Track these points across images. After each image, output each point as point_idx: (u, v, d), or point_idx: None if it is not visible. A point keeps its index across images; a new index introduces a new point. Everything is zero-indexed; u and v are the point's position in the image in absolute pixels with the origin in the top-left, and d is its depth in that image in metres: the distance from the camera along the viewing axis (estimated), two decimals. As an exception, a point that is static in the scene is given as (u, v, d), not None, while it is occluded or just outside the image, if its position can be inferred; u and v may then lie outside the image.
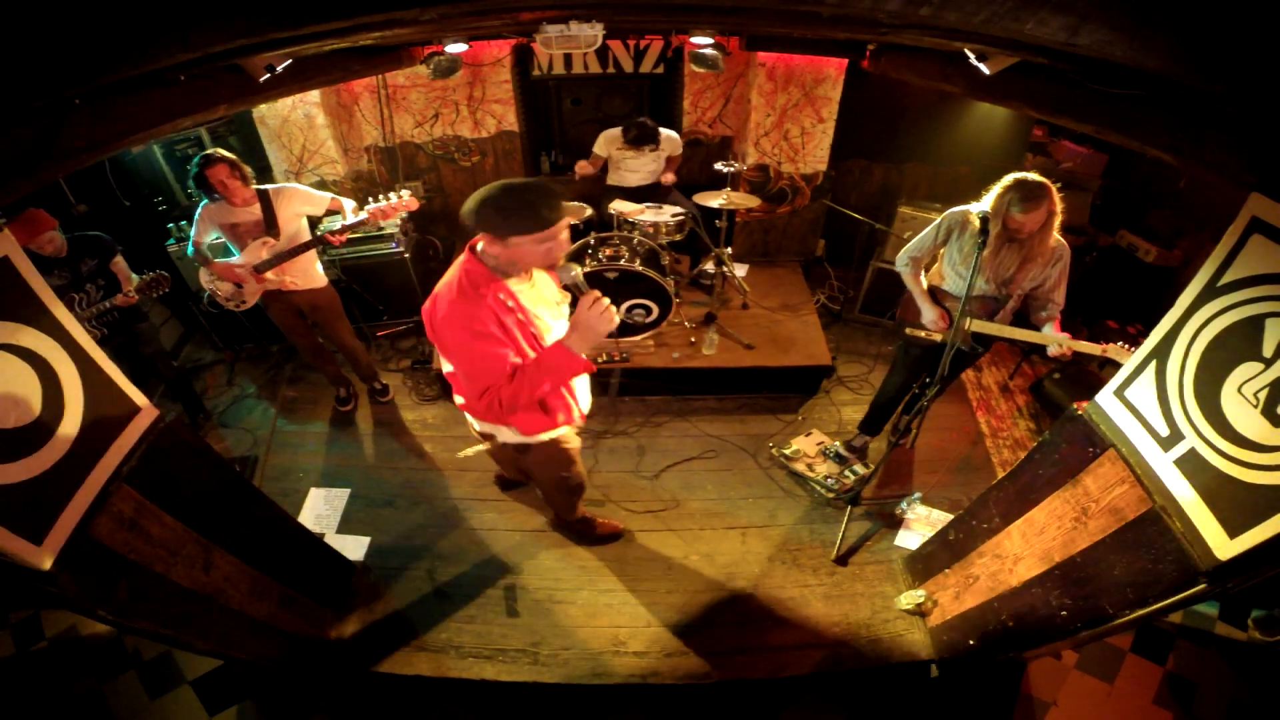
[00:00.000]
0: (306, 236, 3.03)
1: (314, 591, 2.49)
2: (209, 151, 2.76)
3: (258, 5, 1.16)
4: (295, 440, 3.64)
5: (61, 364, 1.51)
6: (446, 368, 1.97)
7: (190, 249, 3.00)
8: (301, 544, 2.52)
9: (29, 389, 1.42)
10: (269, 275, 2.98)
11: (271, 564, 2.23)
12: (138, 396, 1.73)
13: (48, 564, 1.40)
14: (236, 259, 2.95)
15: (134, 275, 3.00)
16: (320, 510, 3.16)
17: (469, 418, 2.16)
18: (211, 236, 2.98)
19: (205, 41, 1.15)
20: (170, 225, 3.88)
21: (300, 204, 2.99)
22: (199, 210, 2.93)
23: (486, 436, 2.20)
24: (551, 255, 1.68)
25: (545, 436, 2.12)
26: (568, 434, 2.22)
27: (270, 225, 2.91)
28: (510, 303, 1.76)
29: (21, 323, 1.42)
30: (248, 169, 2.85)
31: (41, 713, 2.56)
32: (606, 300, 1.67)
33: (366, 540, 2.98)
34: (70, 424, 1.51)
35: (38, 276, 1.48)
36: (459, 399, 2.06)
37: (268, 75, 2.03)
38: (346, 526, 3.07)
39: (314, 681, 2.57)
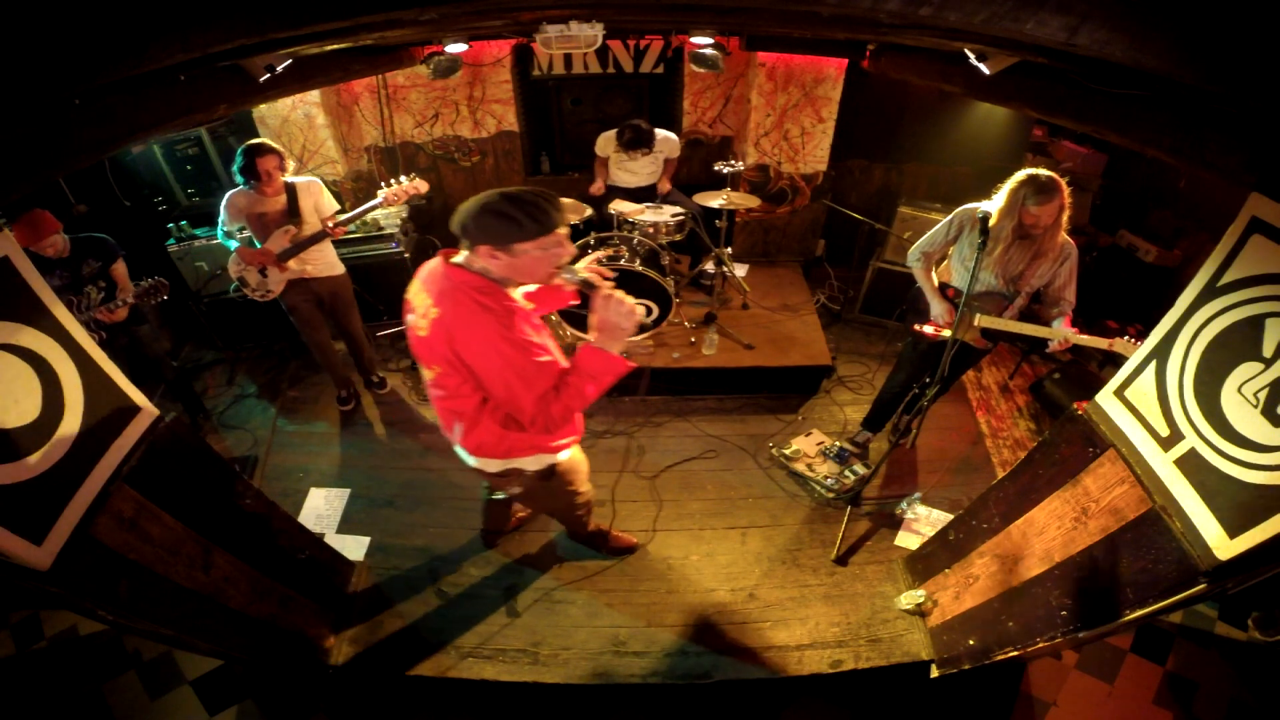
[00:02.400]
0: (319, 228, 3.16)
1: (314, 591, 2.49)
2: (259, 141, 2.89)
3: (258, 5, 1.16)
4: (295, 440, 3.63)
5: (61, 364, 1.51)
6: (458, 435, 1.85)
7: (222, 235, 3.09)
8: (301, 544, 2.52)
9: (29, 389, 1.42)
10: (290, 264, 3.10)
11: (271, 564, 2.23)
12: (138, 396, 1.73)
13: (48, 564, 1.39)
14: (261, 248, 3.06)
15: (132, 284, 3.01)
16: (320, 510, 3.16)
17: (479, 463, 1.96)
18: (237, 227, 3.08)
19: (205, 41, 1.15)
20: (170, 225, 3.88)
21: (319, 198, 3.15)
22: (226, 198, 3.02)
23: (509, 475, 2.02)
24: (558, 260, 1.60)
25: (567, 453, 2.07)
26: (577, 448, 2.19)
27: (293, 214, 3.05)
28: (528, 307, 1.69)
29: (21, 323, 1.42)
30: (289, 160, 3.02)
31: (41, 713, 2.56)
32: (620, 292, 1.59)
33: (366, 540, 2.98)
34: (70, 424, 1.51)
35: (38, 277, 1.48)
36: (462, 448, 1.92)
37: (268, 75, 2.03)
38: (346, 526, 3.07)
39: (314, 681, 2.57)
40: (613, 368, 1.62)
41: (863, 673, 2.46)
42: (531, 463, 2.00)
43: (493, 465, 1.97)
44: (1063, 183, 2.29)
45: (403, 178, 3.11)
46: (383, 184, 3.10)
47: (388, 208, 3.12)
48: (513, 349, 1.57)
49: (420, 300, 1.67)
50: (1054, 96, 1.88)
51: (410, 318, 1.71)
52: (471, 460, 1.98)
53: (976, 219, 2.43)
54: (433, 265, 1.69)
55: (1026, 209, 2.31)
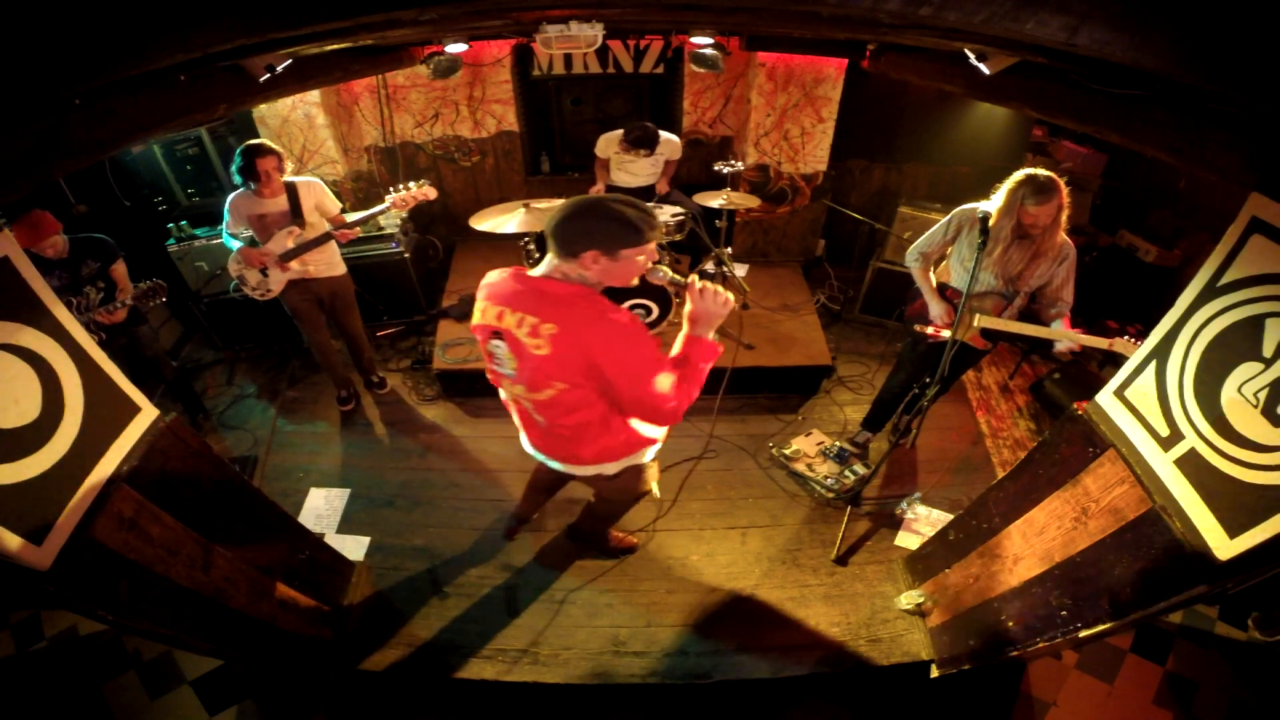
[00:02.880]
0: (323, 229, 3.15)
1: (314, 592, 2.48)
2: (258, 142, 2.88)
3: (258, 5, 1.16)
4: (295, 440, 3.63)
5: (61, 364, 1.51)
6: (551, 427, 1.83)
7: (226, 237, 3.09)
8: (301, 544, 2.51)
9: (29, 389, 1.42)
10: (293, 265, 3.10)
11: (271, 564, 2.22)
12: (138, 396, 1.73)
13: (48, 564, 1.39)
14: (262, 248, 3.06)
15: (132, 285, 3.01)
16: (320, 510, 3.16)
17: (595, 470, 1.97)
18: (241, 229, 3.08)
19: (205, 41, 1.15)
20: (170, 225, 3.88)
21: (320, 198, 3.14)
22: (229, 201, 3.02)
23: (627, 472, 2.03)
24: (647, 265, 1.65)
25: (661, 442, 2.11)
26: None
27: (296, 215, 3.04)
28: None
29: (21, 323, 1.42)
30: (288, 161, 3.00)
31: (41, 713, 2.56)
32: (710, 283, 1.67)
33: (366, 540, 2.98)
34: (70, 424, 1.50)
35: (38, 277, 1.48)
36: (574, 464, 1.94)
37: (268, 75, 2.03)
38: (346, 526, 3.07)
39: (314, 681, 2.57)
40: (712, 354, 1.73)
41: (863, 673, 2.47)
42: (641, 455, 2.02)
43: (610, 468, 1.98)
44: (1061, 182, 2.30)
45: (411, 184, 3.10)
46: (390, 189, 3.09)
47: (394, 212, 3.12)
48: (648, 349, 1.61)
49: (513, 319, 1.62)
50: (1054, 96, 1.88)
51: (498, 344, 1.68)
52: (580, 470, 1.98)
53: (976, 219, 2.43)
54: (506, 283, 1.66)
55: (1025, 209, 2.31)
